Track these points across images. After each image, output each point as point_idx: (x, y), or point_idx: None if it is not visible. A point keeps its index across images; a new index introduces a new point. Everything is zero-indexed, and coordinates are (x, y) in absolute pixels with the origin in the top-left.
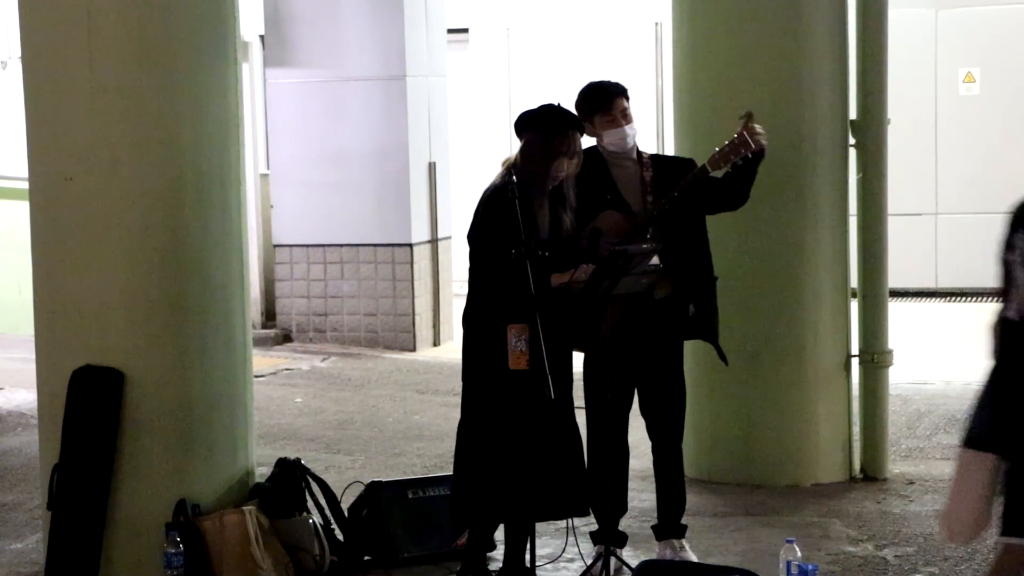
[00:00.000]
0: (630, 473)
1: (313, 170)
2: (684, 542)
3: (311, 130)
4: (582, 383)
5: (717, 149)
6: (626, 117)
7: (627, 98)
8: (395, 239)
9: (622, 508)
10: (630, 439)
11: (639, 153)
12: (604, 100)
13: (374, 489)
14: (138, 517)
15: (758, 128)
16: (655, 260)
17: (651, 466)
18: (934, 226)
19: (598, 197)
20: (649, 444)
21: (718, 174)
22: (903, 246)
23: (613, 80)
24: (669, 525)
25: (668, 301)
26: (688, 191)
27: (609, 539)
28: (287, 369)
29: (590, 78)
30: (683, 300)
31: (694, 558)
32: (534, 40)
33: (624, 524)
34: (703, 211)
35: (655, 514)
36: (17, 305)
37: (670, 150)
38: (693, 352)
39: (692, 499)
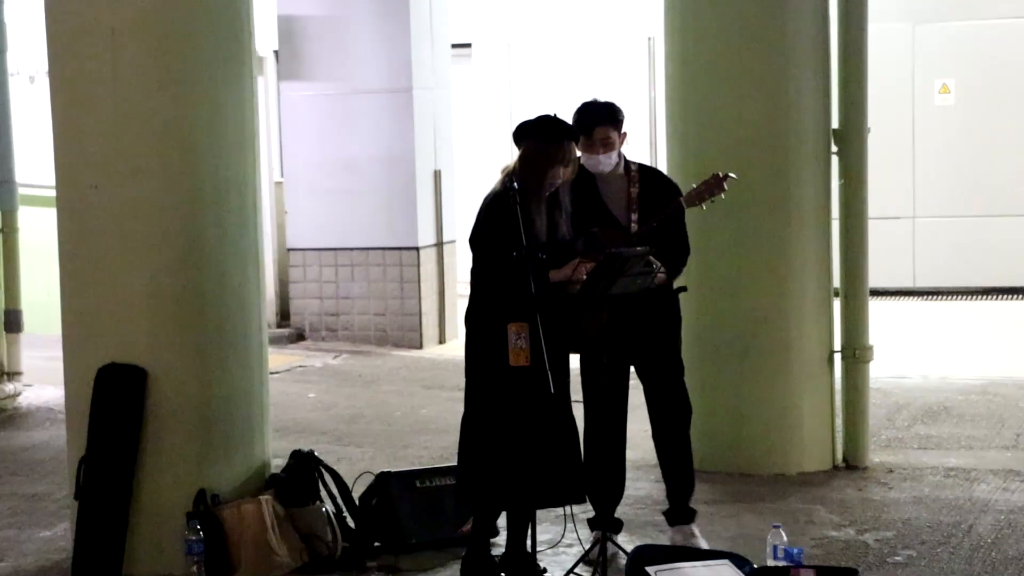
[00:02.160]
0: (627, 463)
1: (325, 178)
2: (694, 528)
3: (323, 140)
4: (579, 377)
5: (694, 186)
6: (606, 145)
7: (615, 125)
8: (402, 243)
9: (618, 496)
10: (630, 430)
11: (627, 166)
12: (587, 125)
13: (383, 479)
14: (160, 507)
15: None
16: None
17: (646, 456)
18: (912, 229)
19: (586, 210)
20: (646, 434)
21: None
22: (883, 248)
23: (608, 103)
24: (678, 509)
25: (659, 289)
26: (664, 222)
27: (605, 525)
28: (301, 366)
29: (587, 90)
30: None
31: (705, 544)
32: (534, 54)
33: (620, 511)
34: None
35: (650, 502)
36: (45, 306)
37: (662, 160)
38: (688, 351)
39: None
